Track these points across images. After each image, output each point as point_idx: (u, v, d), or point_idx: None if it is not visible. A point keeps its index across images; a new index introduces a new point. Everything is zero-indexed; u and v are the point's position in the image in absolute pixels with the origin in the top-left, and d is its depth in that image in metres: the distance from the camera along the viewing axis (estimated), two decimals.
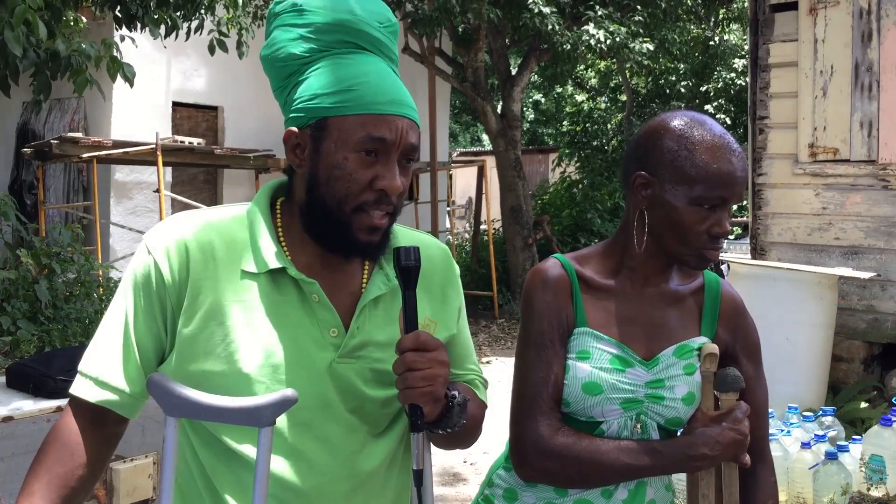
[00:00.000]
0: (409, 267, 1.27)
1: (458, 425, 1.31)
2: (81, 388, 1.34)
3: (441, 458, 5.24)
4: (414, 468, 1.27)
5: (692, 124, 1.53)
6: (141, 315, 1.32)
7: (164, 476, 1.22)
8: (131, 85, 5.04)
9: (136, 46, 5.82)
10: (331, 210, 1.29)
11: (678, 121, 1.54)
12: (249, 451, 1.28)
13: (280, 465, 1.28)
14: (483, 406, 1.51)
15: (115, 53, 4.88)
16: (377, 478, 1.37)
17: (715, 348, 1.57)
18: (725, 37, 14.41)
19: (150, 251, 1.32)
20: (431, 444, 1.43)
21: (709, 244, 1.51)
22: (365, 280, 1.38)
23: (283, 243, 1.35)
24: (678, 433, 1.58)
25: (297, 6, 1.33)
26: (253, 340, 1.28)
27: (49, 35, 4.36)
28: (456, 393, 1.30)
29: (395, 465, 1.41)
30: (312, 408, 1.30)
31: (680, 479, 1.79)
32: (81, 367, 1.35)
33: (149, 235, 1.35)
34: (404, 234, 1.45)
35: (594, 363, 1.53)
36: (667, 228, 1.53)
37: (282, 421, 1.25)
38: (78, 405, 1.34)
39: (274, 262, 1.30)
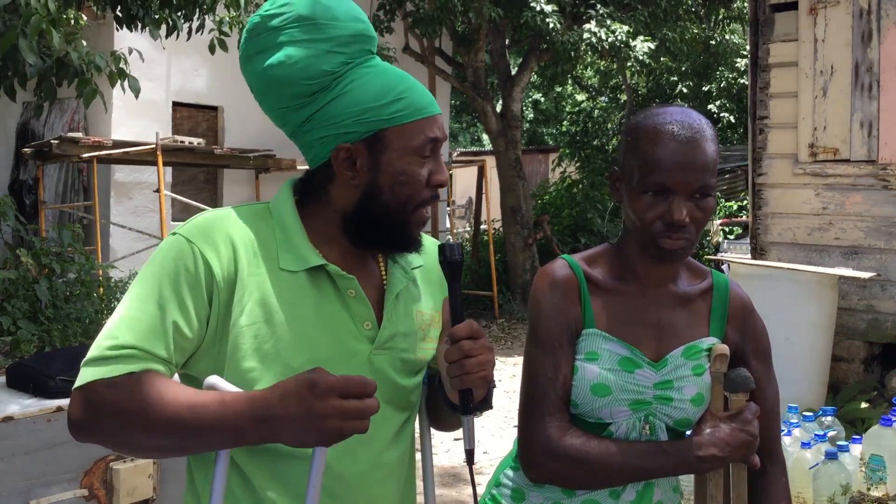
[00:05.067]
0: (455, 261, 1.35)
1: (490, 406, 1.38)
2: (120, 364, 1.20)
3: (441, 458, 5.24)
4: (466, 448, 1.34)
5: (650, 115, 1.54)
6: (187, 305, 1.25)
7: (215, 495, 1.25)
8: (136, 96, 5.06)
9: (143, 61, 5.78)
10: (392, 213, 1.35)
11: (642, 114, 1.56)
12: None
13: (328, 455, 1.32)
14: None
15: (122, 66, 4.91)
16: (398, 464, 1.43)
17: (725, 349, 1.57)
18: (727, 36, 14.38)
19: (192, 242, 1.28)
20: (432, 430, 1.52)
21: (662, 232, 1.49)
22: (384, 274, 1.43)
23: (311, 242, 1.37)
24: (687, 434, 1.57)
25: (310, 20, 1.31)
26: (298, 336, 1.31)
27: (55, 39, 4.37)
28: None
29: (407, 452, 1.47)
30: None
31: (687, 480, 1.79)
32: (104, 346, 1.23)
33: (185, 229, 1.30)
34: None
35: (602, 364, 1.53)
36: (630, 220, 1.55)
37: None
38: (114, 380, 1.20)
39: (312, 261, 1.34)
